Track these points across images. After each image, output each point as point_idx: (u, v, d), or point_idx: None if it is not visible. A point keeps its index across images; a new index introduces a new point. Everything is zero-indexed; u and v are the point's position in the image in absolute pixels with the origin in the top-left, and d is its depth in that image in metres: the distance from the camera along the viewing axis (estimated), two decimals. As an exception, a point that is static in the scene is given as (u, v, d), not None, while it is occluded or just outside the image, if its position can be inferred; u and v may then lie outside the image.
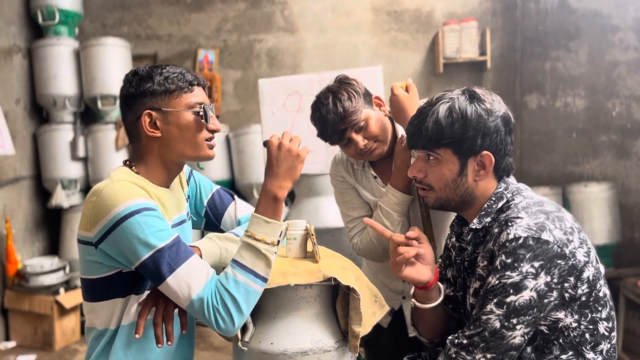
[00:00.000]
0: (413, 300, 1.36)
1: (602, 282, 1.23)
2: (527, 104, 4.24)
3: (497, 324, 1.15)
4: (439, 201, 1.31)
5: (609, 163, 4.12)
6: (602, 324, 1.21)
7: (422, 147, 1.28)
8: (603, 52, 4.08)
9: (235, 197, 1.53)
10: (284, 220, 1.28)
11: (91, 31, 4.50)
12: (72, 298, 3.76)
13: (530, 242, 1.13)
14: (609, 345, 1.23)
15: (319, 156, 2.48)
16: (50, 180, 4.16)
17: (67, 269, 3.94)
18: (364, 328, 1.30)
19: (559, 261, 1.14)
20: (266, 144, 1.26)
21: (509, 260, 1.14)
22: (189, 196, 1.46)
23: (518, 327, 1.14)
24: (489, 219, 1.27)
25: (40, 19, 4.14)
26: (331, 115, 1.57)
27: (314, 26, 4.40)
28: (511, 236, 1.15)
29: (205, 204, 1.48)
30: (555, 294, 1.15)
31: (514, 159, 1.34)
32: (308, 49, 4.42)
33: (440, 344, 1.39)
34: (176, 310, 1.22)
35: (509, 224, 1.18)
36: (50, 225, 4.38)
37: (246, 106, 4.48)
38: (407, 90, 1.60)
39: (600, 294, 1.21)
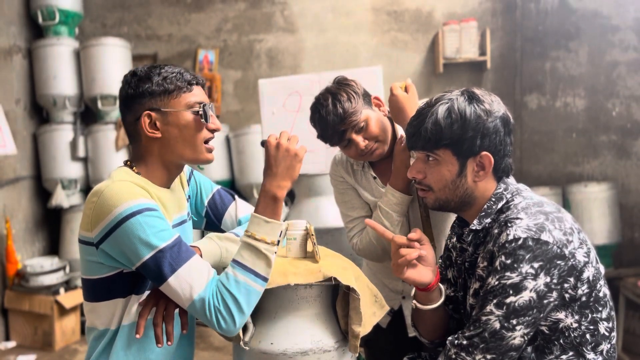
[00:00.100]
0: (414, 301, 1.36)
1: (602, 282, 1.23)
2: (527, 104, 4.24)
3: (497, 325, 1.15)
4: (438, 202, 1.31)
5: (609, 163, 4.12)
6: (603, 324, 1.21)
7: (422, 147, 1.28)
8: (603, 52, 4.08)
9: (236, 197, 1.53)
10: (284, 220, 1.28)
11: (91, 31, 4.50)
12: (72, 298, 3.77)
13: (530, 242, 1.13)
14: (609, 346, 1.23)
15: (318, 156, 2.48)
16: (50, 180, 4.17)
17: (67, 269, 3.94)
18: (364, 328, 1.30)
19: (558, 262, 1.14)
20: (264, 144, 1.26)
21: (508, 261, 1.14)
22: (189, 196, 1.46)
23: (518, 327, 1.14)
24: (488, 220, 1.27)
25: (40, 19, 4.15)
26: (331, 116, 1.57)
27: (314, 26, 4.40)
28: (511, 237, 1.15)
29: (205, 204, 1.48)
30: (555, 294, 1.15)
31: (513, 159, 1.34)
32: (308, 49, 4.42)
33: (441, 344, 1.39)
34: (177, 310, 1.22)
35: (509, 224, 1.18)
36: (50, 225, 4.38)
37: (246, 106, 4.49)
38: (406, 90, 1.60)
39: (601, 294, 1.22)
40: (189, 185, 1.46)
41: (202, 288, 1.14)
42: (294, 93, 2.63)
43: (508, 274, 1.14)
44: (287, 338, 1.30)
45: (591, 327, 1.20)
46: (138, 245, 1.13)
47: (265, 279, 1.19)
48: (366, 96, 1.63)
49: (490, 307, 1.15)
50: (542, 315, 1.16)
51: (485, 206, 1.27)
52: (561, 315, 1.19)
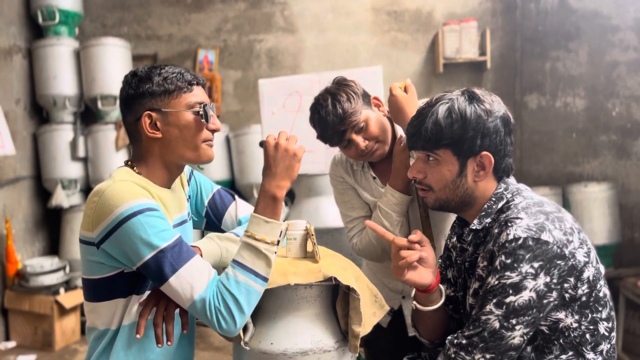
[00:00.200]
0: (414, 302, 1.36)
1: (602, 282, 1.23)
2: (527, 104, 4.24)
3: (497, 324, 1.15)
4: (438, 202, 1.31)
5: (609, 163, 4.12)
6: (603, 324, 1.21)
7: (422, 147, 1.28)
8: (603, 52, 4.08)
9: (236, 197, 1.53)
10: (284, 220, 1.28)
11: (91, 31, 4.50)
12: (72, 298, 3.77)
13: (530, 242, 1.13)
14: (609, 346, 1.23)
15: (318, 156, 2.48)
16: (50, 180, 4.17)
17: (67, 269, 3.94)
18: (364, 328, 1.30)
19: (558, 262, 1.14)
20: (262, 144, 1.25)
21: (508, 261, 1.14)
22: (189, 196, 1.46)
23: (517, 327, 1.14)
24: (489, 220, 1.27)
25: (40, 19, 4.15)
26: (330, 117, 1.56)
27: (314, 26, 4.41)
28: (511, 237, 1.15)
29: (206, 204, 1.48)
30: (554, 294, 1.15)
31: (514, 159, 1.34)
32: (308, 49, 4.42)
33: (441, 344, 1.39)
34: (177, 310, 1.22)
35: (509, 224, 1.18)
36: (50, 225, 4.38)
37: (246, 106, 4.49)
38: (405, 90, 1.60)
39: (601, 294, 1.22)
40: (189, 185, 1.46)
41: (202, 288, 1.14)
42: (294, 93, 2.63)
43: (508, 273, 1.14)
44: (287, 338, 1.30)
45: (591, 327, 1.20)
46: (139, 245, 1.13)
47: (265, 279, 1.19)
48: (366, 96, 1.63)
49: (489, 307, 1.16)
50: (541, 315, 1.16)
51: (486, 206, 1.27)
52: (561, 315, 1.19)
